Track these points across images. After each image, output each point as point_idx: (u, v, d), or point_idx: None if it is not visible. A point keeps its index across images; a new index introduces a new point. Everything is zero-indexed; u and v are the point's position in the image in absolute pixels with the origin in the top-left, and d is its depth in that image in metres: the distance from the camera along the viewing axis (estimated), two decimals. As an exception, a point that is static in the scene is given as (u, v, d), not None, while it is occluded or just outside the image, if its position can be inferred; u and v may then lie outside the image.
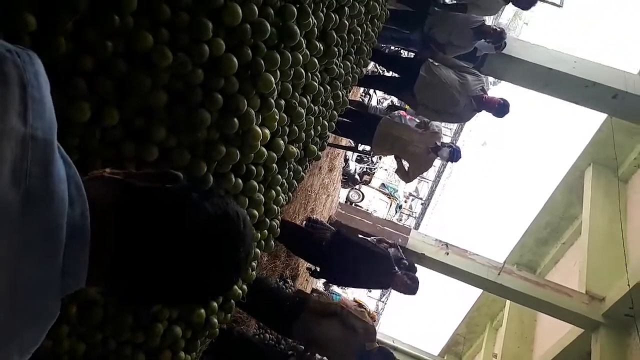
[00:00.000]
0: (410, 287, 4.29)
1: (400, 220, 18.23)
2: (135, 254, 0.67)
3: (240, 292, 2.20)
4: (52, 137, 0.60)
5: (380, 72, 6.63)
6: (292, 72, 1.91)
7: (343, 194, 11.41)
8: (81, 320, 1.56)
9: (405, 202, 19.70)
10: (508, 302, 8.58)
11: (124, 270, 0.68)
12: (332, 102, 2.58)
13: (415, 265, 5.07)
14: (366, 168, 12.92)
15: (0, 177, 0.52)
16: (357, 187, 12.76)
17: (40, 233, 0.57)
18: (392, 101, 8.15)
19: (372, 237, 5.23)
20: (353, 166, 11.09)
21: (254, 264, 2.30)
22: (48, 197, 0.57)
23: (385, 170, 17.06)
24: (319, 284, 8.48)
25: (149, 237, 0.68)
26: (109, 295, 0.90)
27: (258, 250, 2.27)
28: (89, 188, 0.65)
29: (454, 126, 17.78)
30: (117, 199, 0.69)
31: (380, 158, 13.47)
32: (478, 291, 9.17)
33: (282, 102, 1.94)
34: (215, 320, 2.06)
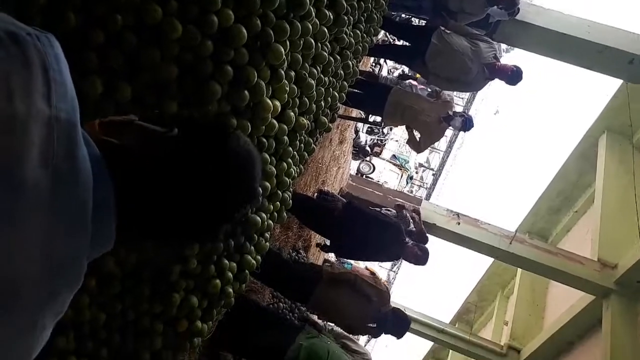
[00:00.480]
0: (420, 257, 4.32)
1: (412, 191, 18.21)
2: (161, 205, 0.73)
3: (255, 262, 2.24)
4: (75, 118, 0.62)
5: (391, 41, 6.52)
6: (301, 42, 1.89)
7: (354, 166, 11.40)
8: (101, 291, 1.60)
9: (417, 173, 19.64)
10: (519, 270, 8.60)
11: (147, 227, 0.74)
12: (342, 72, 2.55)
13: (427, 234, 5.11)
14: (377, 140, 12.86)
15: (30, 160, 0.54)
16: (367, 158, 12.73)
17: (69, 209, 0.60)
18: (402, 71, 8.04)
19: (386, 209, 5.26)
20: (364, 138, 11.04)
21: (267, 234, 2.33)
22: (74, 175, 0.60)
23: (396, 141, 16.96)
24: (331, 254, 8.57)
25: (168, 185, 0.72)
26: (137, 244, 0.98)
27: (271, 221, 2.30)
28: (99, 143, 0.68)
29: (466, 95, 17.53)
30: (138, 163, 0.73)
31: (391, 129, 13.37)
32: (489, 260, 9.21)
33: (292, 73, 1.93)
34: (231, 290, 2.10)
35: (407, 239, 4.35)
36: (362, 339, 12.03)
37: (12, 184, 0.53)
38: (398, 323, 4.02)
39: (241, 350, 3.54)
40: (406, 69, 6.46)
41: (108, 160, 0.68)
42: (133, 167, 0.73)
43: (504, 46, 5.37)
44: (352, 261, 6.84)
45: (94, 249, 0.67)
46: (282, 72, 1.79)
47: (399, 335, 4.11)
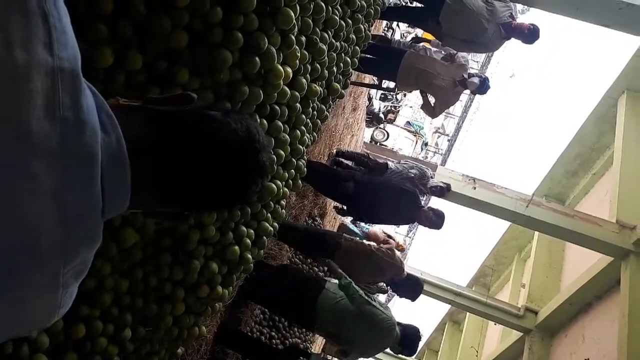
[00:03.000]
0: (435, 222, 4.35)
1: (427, 157, 18.09)
2: (172, 173, 0.72)
3: (272, 229, 2.27)
4: (78, 67, 0.60)
5: (404, 3, 6.37)
6: (312, 6, 1.86)
7: (367, 133, 11.32)
8: (123, 258, 1.65)
9: (434, 137, 19.45)
10: (536, 233, 8.57)
11: (163, 191, 0.73)
12: (354, 37, 2.51)
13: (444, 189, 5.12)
14: (390, 106, 12.70)
15: (35, 110, 0.53)
16: (381, 126, 12.62)
17: (78, 160, 0.58)
18: (416, 34, 7.87)
19: (403, 162, 5.27)
20: (377, 105, 10.91)
21: (283, 202, 2.35)
22: (81, 126, 0.58)
23: (410, 107, 16.75)
24: (347, 219, 8.62)
25: (183, 156, 0.72)
26: (151, 215, 0.98)
27: (286, 189, 2.32)
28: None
29: (481, 58, 17.15)
30: (144, 125, 0.73)
31: (404, 95, 13.20)
32: (506, 224, 9.18)
33: (303, 38, 1.91)
34: (249, 256, 2.14)
35: (422, 204, 4.37)
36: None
37: (19, 135, 0.52)
38: (411, 286, 4.12)
39: (273, 300, 3.65)
40: (420, 32, 6.30)
41: (120, 117, 0.67)
42: (146, 126, 0.72)
43: (519, 7, 5.19)
44: (368, 225, 6.90)
45: (109, 205, 0.65)
46: (293, 38, 1.76)
47: (413, 297, 4.21)
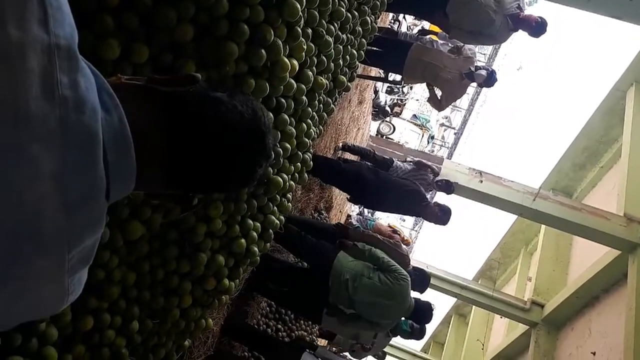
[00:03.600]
0: (440, 218, 4.35)
1: (433, 151, 18.03)
2: (178, 154, 0.71)
3: (278, 222, 2.27)
4: (75, 45, 0.57)
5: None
6: (318, -2, 1.85)
7: (373, 126, 11.30)
8: (129, 251, 1.65)
9: (440, 130, 19.38)
10: (543, 226, 8.55)
11: (168, 172, 0.72)
12: (360, 29, 2.50)
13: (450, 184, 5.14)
14: (397, 99, 12.65)
15: (32, 89, 0.51)
16: (387, 119, 12.58)
17: (78, 142, 0.56)
18: (423, 26, 7.82)
19: (410, 159, 5.29)
20: (383, 98, 10.88)
21: (289, 195, 2.35)
22: (80, 105, 0.56)
23: (417, 100, 16.69)
24: (353, 214, 8.62)
25: (188, 138, 0.71)
26: (155, 196, 0.95)
27: (292, 182, 2.31)
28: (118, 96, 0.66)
29: (488, 51, 17.02)
30: (148, 104, 0.71)
31: (411, 88, 13.14)
32: (513, 217, 9.16)
33: (309, 30, 1.89)
34: (256, 249, 2.15)
35: (427, 200, 4.37)
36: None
37: (17, 118, 0.50)
38: (419, 279, 4.14)
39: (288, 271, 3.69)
40: (426, 25, 6.26)
41: (122, 97, 0.65)
42: (150, 106, 0.71)
43: (527, -3, 5.14)
44: (375, 216, 6.92)
45: (114, 186, 0.63)
46: (299, 30, 1.75)
47: (421, 290, 4.23)
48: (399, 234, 5.59)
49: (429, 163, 5.35)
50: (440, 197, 5.99)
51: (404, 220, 18.26)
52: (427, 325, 4.07)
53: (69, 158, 0.55)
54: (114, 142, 0.61)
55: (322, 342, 6.14)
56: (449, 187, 5.28)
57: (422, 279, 4.23)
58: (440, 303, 13.13)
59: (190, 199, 0.86)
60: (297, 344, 3.95)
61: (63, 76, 0.54)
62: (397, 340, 11.09)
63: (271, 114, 1.87)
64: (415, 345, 14.37)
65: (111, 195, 0.64)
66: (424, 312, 3.64)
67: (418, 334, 3.98)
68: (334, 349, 5.49)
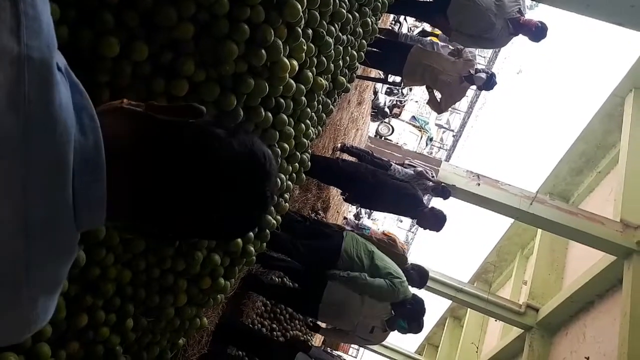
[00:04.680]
0: (435, 224, 4.37)
1: (431, 153, 18.05)
2: (156, 189, 0.64)
3: (275, 222, 2.27)
4: (51, 57, 0.53)
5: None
6: (319, -1, 1.85)
7: (372, 127, 11.30)
8: (125, 249, 1.65)
9: (439, 132, 19.40)
10: (539, 231, 8.57)
11: (144, 206, 0.65)
12: (360, 30, 2.50)
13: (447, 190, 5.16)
14: (396, 100, 12.65)
15: None
16: (386, 120, 12.58)
17: (44, 163, 0.53)
18: (423, 28, 7.83)
19: (408, 162, 5.32)
20: (382, 99, 10.88)
21: (286, 195, 2.35)
22: (50, 123, 0.52)
23: (416, 102, 16.69)
24: (350, 215, 8.62)
25: (170, 173, 0.64)
26: (128, 230, 0.87)
27: (290, 183, 2.31)
28: (106, 120, 0.61)
29: (488, 54, 17.04)
30: (137, 133, 0.66)
31: (410, 90, 13.14)
32: (509, 220, 9.17)
33: (310, 31, 1.89)
34: (252, 249, 2.14)
35: (424, 204, 4.39)
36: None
37: None
38: (418, 274, 4.17)
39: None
40: (427, 27, 6.27)
41: (113, 120, 0.62)
42: (138, 134, 0.66)
43: (528, 2, 5.14)
44: (370, 224, 6.93)
45: (82, 213, 0.58)
46: (300, 30, 1.75)
47: (420, 285, 4.41)
48: (395, 241, 5.60)
49: (430, 173, 5.37)
50: (437, 202, 6.00)
51: (401, 221, 18.28)
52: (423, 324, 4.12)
53: (33, 179, 0.52)
54: (85, 166, 0.57)
55: (316, 342, 6.14)
56: (445, 192, 5.30)
57: (420, 275, 4.27)
58: (435, 305, 13.17)
59: (171, 240, 0.79)
60: (291, 343, 3.94)
61: (32, 90, 0.50)
62: (391, 342, 11.11)
63: (271, 117, 1.87)
64: (409, 347, 14.39)
65: (79, 222, 0.59)
66: (421, 304, 3.74)
67: (416, 328, 4.01)
68: (328, 349, 5.49)
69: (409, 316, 3.70)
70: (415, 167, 5.45)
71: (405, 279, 3.62)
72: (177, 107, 0.69)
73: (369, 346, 10.73)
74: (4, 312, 0.56)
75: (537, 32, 4.08)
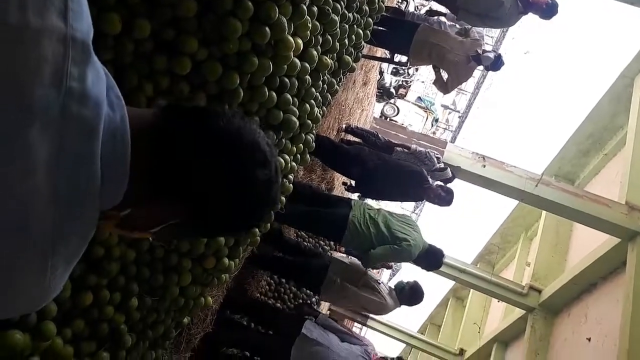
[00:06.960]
0: (444, 198, 4.30)
1: (436, 133, 17.95)
2: (175, 166, 0.68)
3: (279, 203, 2.26)
4: (89, 40, 0.59)
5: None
6: (324, -25, 1.81)
7: (378, 108, 11.22)
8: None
9: (445, 113, 19.26)
10: (544, 213, 8.54)
11: (161, 183, 0.68)
12: (366, 8, 2.45)
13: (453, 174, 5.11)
14: (402, 81, 12.54)
15: (42, 76, 0.52)
16: (392, 101, 12.48)
17: (77, 135, 0.56)
18: (430, 7, 7.70)
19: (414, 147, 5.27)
20: (388, 79, 10.78)
21: (290, 176, 2.34)
22: (84, 98, 0.57)
23: (422, 82, 16.55)
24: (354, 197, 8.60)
25: (191, 152, 0.68)
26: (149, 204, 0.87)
27: (294, 163, 2.30)
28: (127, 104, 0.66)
29: (496, 34, 16.79)
30: (156, 115, 0.70)
31: (416, 70, 13.01)
32: (514, 202, 9.14)
33: (315, 8, 1.85)
34: (256, 229, 2.14)
35: (429, 181, 4.34)
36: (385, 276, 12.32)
37: (21, 99, 0.51)
38: (432, 255, 4.14)
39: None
40: (434, 6, 6.16)
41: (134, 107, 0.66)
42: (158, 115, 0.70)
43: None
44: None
45: (106, 188, 0.61)
46: (304, 8, 1.72)
47: (409, 303, 4.43)
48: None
49: (433, 152, 5.30)
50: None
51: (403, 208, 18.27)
52: (423, 303, 4.44)
53: (67, 147, 0.55)
54: (112, 139, 0.61)
55: (323, 310, 6.20)
56: (447, 174, 5.23)
57: (435, 255, 4.20)
58: (439, 285, 13.25)
59: (186, 231, 0.80)
60: (299, 310, 4.02)
61: (74, 67, 0.55)
62: (393, 320, 11.20)
63: (275, 97, 1.84)
64: (411, 326, 14.53)
65: (105, 197, 0.62)
66: (415, 289, 4.24)
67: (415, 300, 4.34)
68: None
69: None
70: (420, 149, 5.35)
71: (413, 237, 3.83)
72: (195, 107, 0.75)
73: (371, 322, 10.83)
74: (31, 280, 0.58)
75: (548, 9, 4.01)
